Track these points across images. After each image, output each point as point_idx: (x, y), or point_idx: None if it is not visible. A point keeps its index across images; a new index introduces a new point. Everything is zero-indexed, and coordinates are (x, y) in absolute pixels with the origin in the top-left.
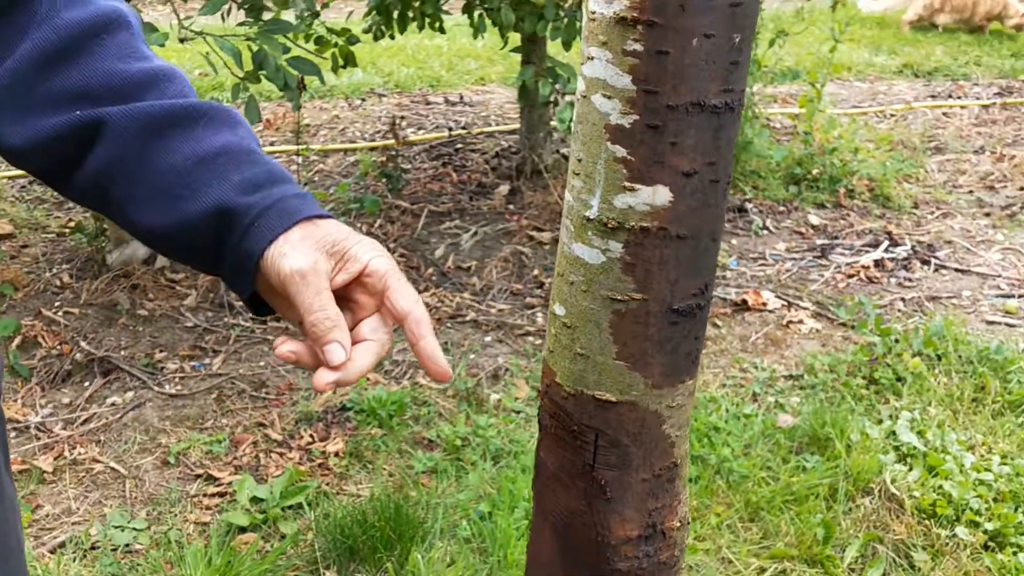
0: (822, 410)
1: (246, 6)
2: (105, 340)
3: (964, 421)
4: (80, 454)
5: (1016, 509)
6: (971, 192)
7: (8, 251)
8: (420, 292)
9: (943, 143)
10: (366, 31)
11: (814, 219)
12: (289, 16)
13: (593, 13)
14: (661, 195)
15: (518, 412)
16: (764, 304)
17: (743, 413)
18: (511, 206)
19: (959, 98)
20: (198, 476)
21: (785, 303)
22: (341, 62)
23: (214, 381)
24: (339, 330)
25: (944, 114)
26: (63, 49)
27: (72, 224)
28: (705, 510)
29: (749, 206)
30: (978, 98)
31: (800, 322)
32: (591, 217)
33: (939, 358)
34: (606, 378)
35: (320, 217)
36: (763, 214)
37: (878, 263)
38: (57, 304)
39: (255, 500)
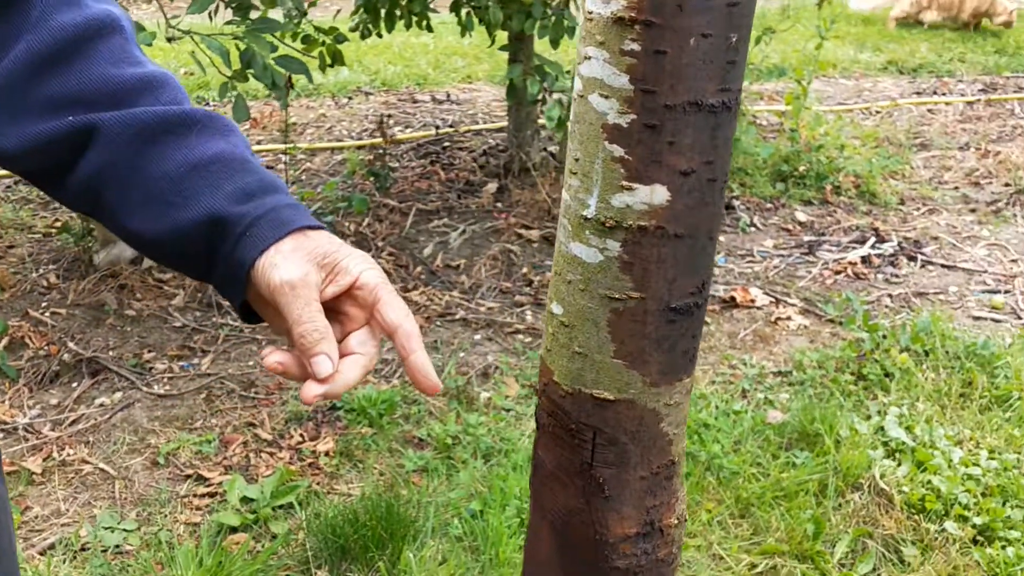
0: (811, 406)
1: (233, 5)
2: (93, 340)
3: (952, 416)
4: (69, 455)
5: (1004, 503)
6: (956, 188)
7: None
8: (409, 291)
9: (928, 140)
10: (353, 29)
11: (801, 216)
12: (277, 15)
13: (590, 13)
14: (659, 194)
15: (508, 410)
16: (752, 301)
17: (733, 410)
18: (499, 204)
19: (944, 95)
20: (188, 476)
21: (773, 300)
22: (329, 61)
23: (203, 381)
24: (327, 342)
25: (929, 111)
26: (56, 53)
27: (58, 224)
28: (696, 507)
29: (736, 203)
30: (963, 95)
31: (788, 319)
32: (589, 216)
33: (926, 354)
34: (604, 376)
35: (312, 228)
36: (750, 211)
37: (865, 259)
38: (44, 305)
39: (245, 500)
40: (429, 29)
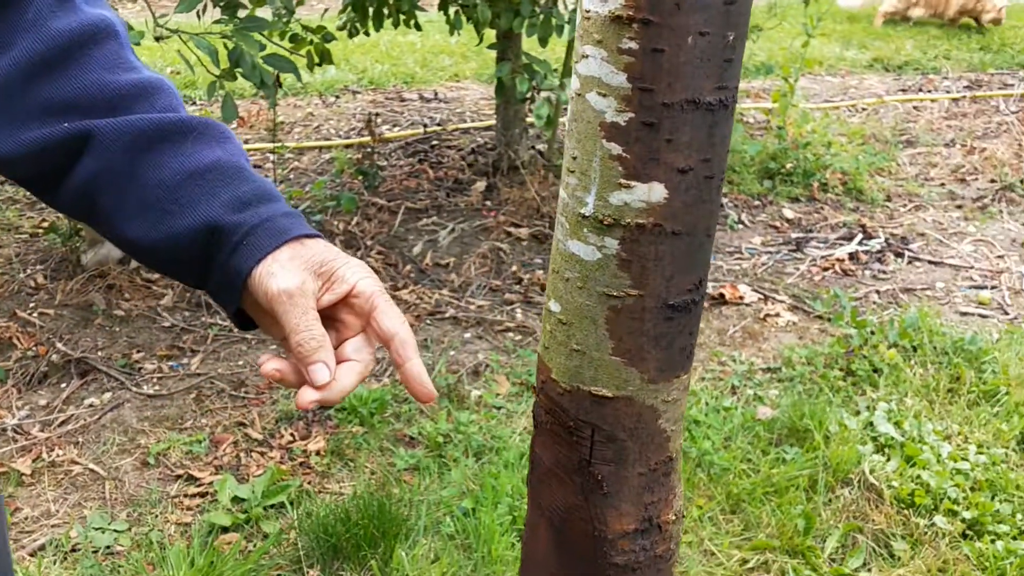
0: (800, 402)
1: (221, 3)
2: (81, 341)
3: (940, 411)
4: (58, 456)
5: (993, 497)
6: (943, 185)
7: None
8: (399, 289)
9: (914, 137)
10: (341, 28)
11: (788, 213)
12: (265, 13)
13: (588, 12)
14: (656, 192)
15: (499, 408)
16: (741, 298)
17: (723, 406)
18: (488, 202)
19: (929, 92)
20: (178, 477)
21: (762, 296)
22: (317, 59)
23: (193, 381)
24: (324, 350)
25: (915, 108)
26: (51, 59)
27: (46, 225)
28: (687, 503)
29: (724, 201)
30: (948, 92)
31: (777, 315)
32: (587, 214)
33: (914, 349)
34: (602, 374)
35: (309, 236)
36: (738, 208)
37: (852, 256)
38: (32, 305)
39: (237, 500)
40: (417, 27)
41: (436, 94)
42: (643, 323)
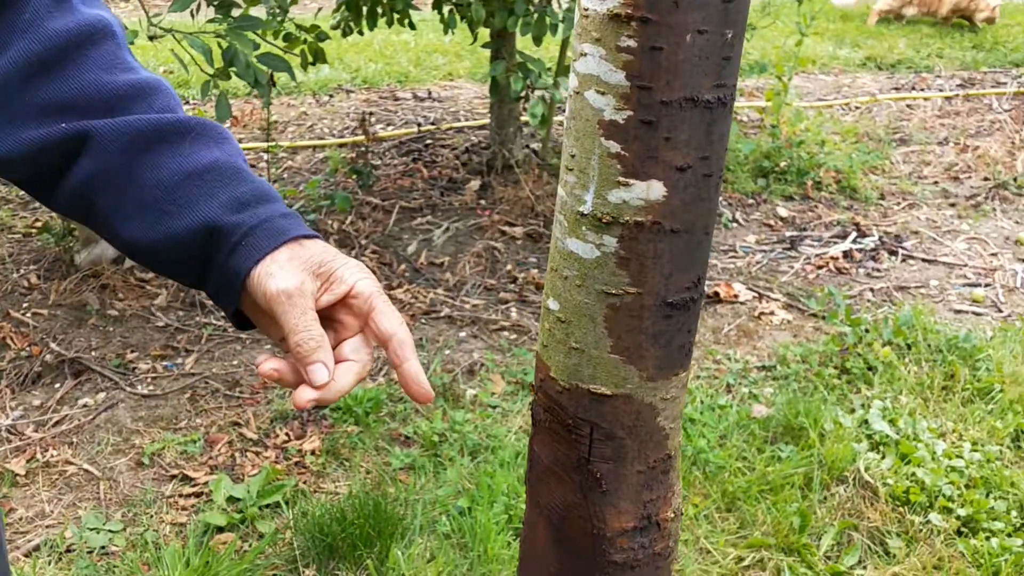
0: (795, 400)
1: (215, 3)
2: (75, 341)
3: (935, 409)
4: (53, 456)
5: (988, 495)
6: (936, 183)
7: None
8: (393, 288)
9: (908, 135)
10: (334, 27)
11: (783, 211)
12: (259, 12)
13: (586, 10)
14: (655, 190)
15: (494, 407)
16: (736, 296)
17: (718, 404)
18: (482, 201)
19: (922, 90)
20: (173, 476)
21: (756, 295)
22: (310, 59)
23: (187, 381)
24: (323, 351)
25: (908, 106)
26: (48, 60)
27: (39, 224)
28: (682, 501)
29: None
30: (941, 90)
31: (771, 313)
32: (585, 212)
33: (909, 347)
34: (601, 372)
35: (307, 237)
36: (732, 207)
37: (846, 254)
38: (25, 305)
39: (232, 500)
40: (411, 26)
41: (430, 93)
42: (642, 321)
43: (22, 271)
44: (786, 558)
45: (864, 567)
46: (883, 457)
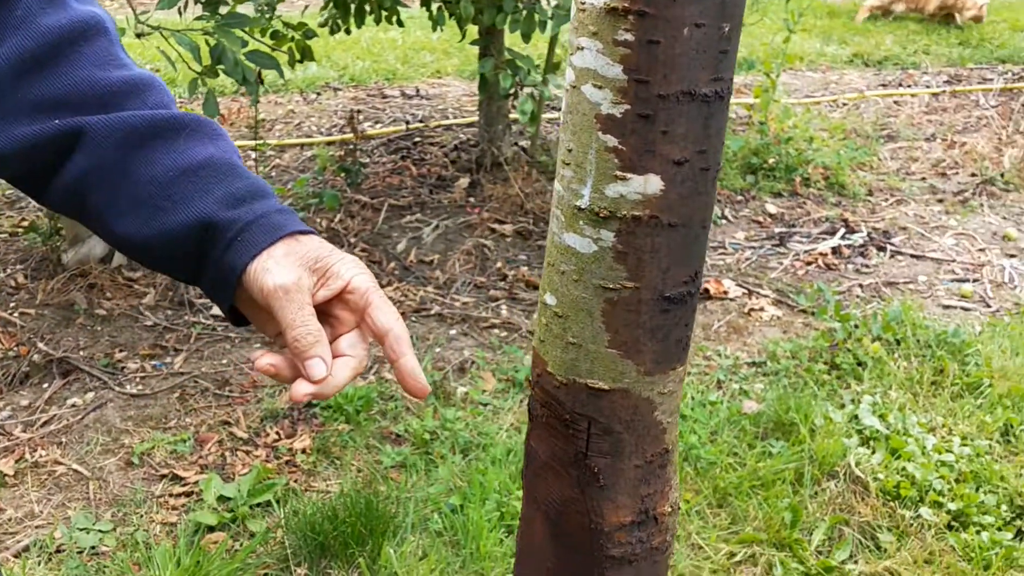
0: (786, 396)
1: (203, 0)
2: (63, 340)
3: (924, 404)
4: (41, 456)
5: (978, 489)
6: (923, 179)
7: None
8: (383, 286)
9: (895, 131)
10: (322, 25)
11: (771, 208)
12: (246, 10)
13: (583, 3)
14: (652, 184)
15: (485, 404)
16: (725, 292)
17: (708, 400)
18: (471, 199)
19: (909, 87)
20: (163, 476)
21: (746, 291)
22: (298, 56)
23: (176, 380)
24: (321, 345)
25: (895, 103)
26: (41, 55)
27: (25, 224)
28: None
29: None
30: (928, 87)
31: (761, 309)
32: (582, 207)
33: (898, 342)
34: (598, 366)
35: (303, 233)
36: (721, 204)
37: (835, 250)
38: (12, 305)
39: (222, 499)
40: (400, 24)
41: (418, 91)
42: (639, 315)
43: (8, 271)
44: (778, 553)
45: (855, 561)
46: (873, 452)
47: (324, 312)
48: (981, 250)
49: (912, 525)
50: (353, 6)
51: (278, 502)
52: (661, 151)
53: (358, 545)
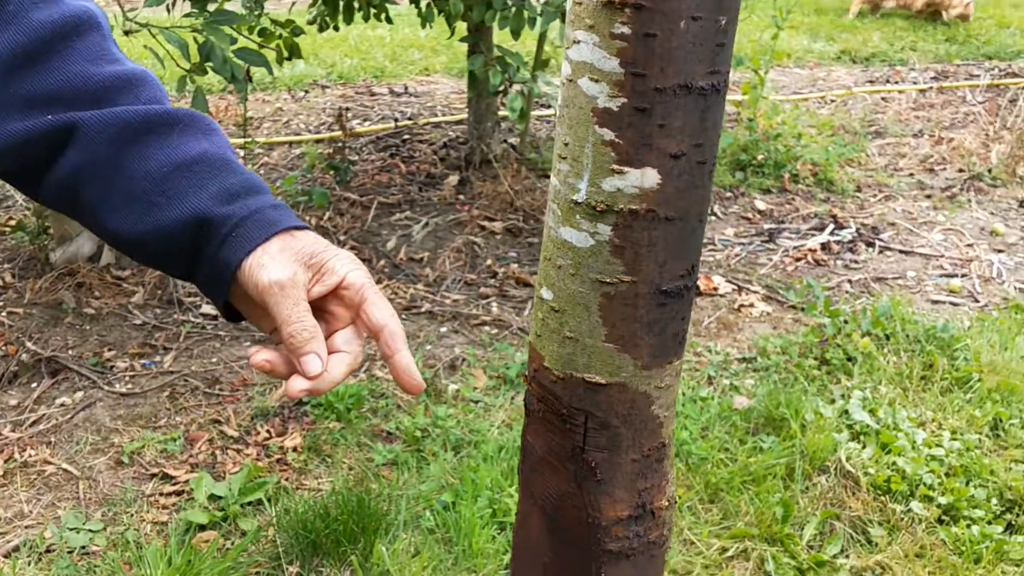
0: (776, 391)
1: None
2: (52, 340)
3: (914, 398)
4: (31, 456)
5: (968, 483)
6: (912, 175)
7: None
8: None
9: (883, 127)
10: (311, 22)
11: (760, 204)
12: (234, 7)
13: None
14: (649, 177)
15: (477, 402)
16: (715, 289)
17: (699, 396)
18: (461, 196)
19: (897, 83)
20: (153, 475)
21: (736, 287)
22: (286, 54)
23: (166, 379)
24: (316, 341)
25: (883, 99)
26: (33, 51)
27: (12, 223)
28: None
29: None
30: (915, 83)
31: (751, 305)
32: (579, 201)
33: (887, 338)
34: (595, 361)
35: (298, 228)
36: (711, 200)
37: (824, 246)
38: (0, 304)
39: (213, 498)
40: (388, 21)
41: (406, 88)
42: (636, 309)
43: None
44: (769, 548)
45: (847, 556)
46: (864, 447)
47: (319, 308)
48: (969, 245)
49: (903, 519)
50: (342, 3)
51: (269, 500)
52: (658, 145)
53: (350, 543)
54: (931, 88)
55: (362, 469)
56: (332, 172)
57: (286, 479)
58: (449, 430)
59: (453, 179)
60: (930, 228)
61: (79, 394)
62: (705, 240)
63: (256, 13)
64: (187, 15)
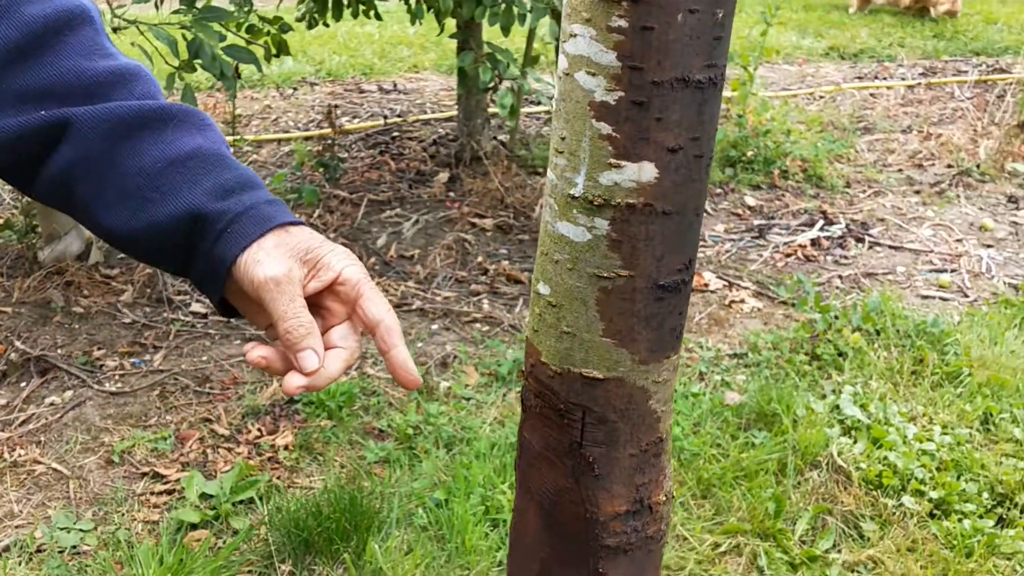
0: (768, 387)
1: None
2: (40, 339)
3: (905, 393)
4: (20, 456)
5: (959, 477)
6: (900, 171)
7: None
8: None
9: (872, 123)
10: (300, 19)
11: (750, 200)
12: (222, 3)
13: None
14: (647, 171)
15: (468, 399)
16: (706, 285)
17: (691, 392)
18: (451, 193)
19: (885, 79)
20: (144, 474)
21: (726, 283)
22: (274, 51)
23: (156, 377)
24: (313, 337)
25: (871, 95)
26: (25, 46)
27: (0, 221)
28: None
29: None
30: (903, 79)
31: (742, 301)
32: (576, 195)
33: (878, 333)
34: (593, 355)
35: (293, 224)
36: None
37: (814, 242)
38: None
39: (205, 496)
40: (378, 17)
41: (395, 85)
42: (634, 304)
43: None
44: (762, 543)
45: (839, 550)
46: (855, 442)
47: (315, 304)
48: (958, 241)
49: (895, 514)
50: (331, 0)
51: (261, 499)
52: (655, 138)
53: (343, 541)
54: (919, 84)
55: (354, 467)
56: (322, 169)
57: (278, 477)
58: (441, 427)
59: (443, 176)
60: (919, 224)
61: (68, 393)
62: None
63: (245, 10)
64: (175, 12)
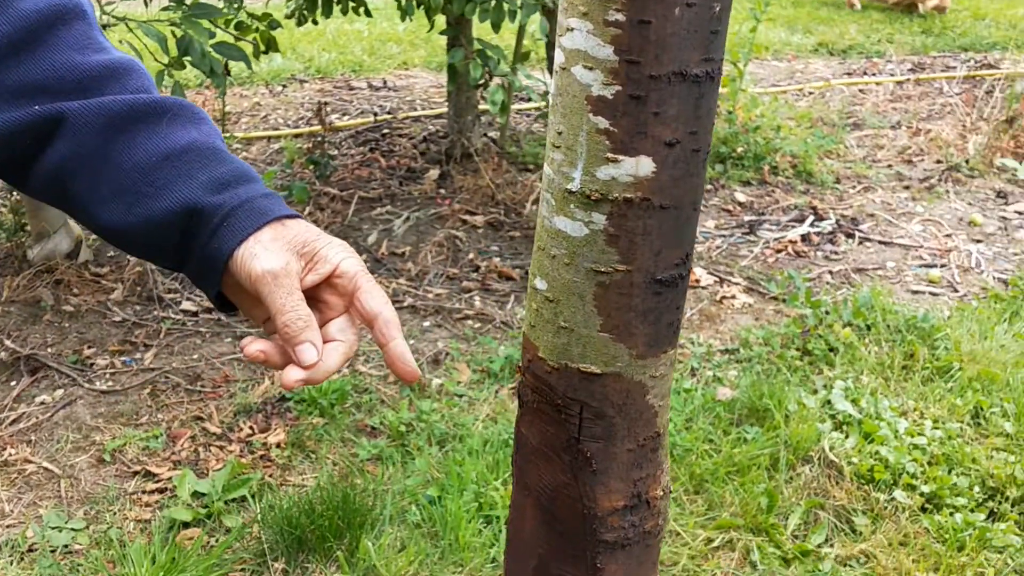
0: (759, 382)
1: None
2: (30, 338)
3: (896, 388)
4: (11, 455)
5: (950, 471)
6: (890, 166)
7: None
8: None
9: (861, 119)
10: (289, 16)
11: (741, 196)
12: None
13: None
14: (644, 165)
15: (461, 396)
16: (697, 281)
17: (683, 388)
18: (442, 190)
19: (874, 75)
20: (136, 473)
21: (717, 279)
22: (263, 47)
23: (147, 376)
24: (311, 330)
25: (860, 91)
26: (18, 41)
27: None
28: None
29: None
30: (892, 75)
31: (733, 297)
32: (573, 190)
33: (868, 328)
34: (590, 350)
35: (289, 217)
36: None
37: (805, 237)
38: None
39: (197, 495)
40: (367, 14)
41: (385, 82)
42: (631, 298)
43: None
44: (755, 538)
45: (831, 545)
46: (847, 436)
47: (312, 297)
48: (948, 236)
49: (886, 508)
50: None
51: (253, 497)
52: (653, 132)
53: (336, 538)
54: (908, 80)
55: (346, 464)
56: (312, 167)
57: (270, 475)
58: (433, 424)
59: (434, 173)
60: (909, 219)
61: (59, 392)
62: None
63: (235, 6)
64: (164, 9)
